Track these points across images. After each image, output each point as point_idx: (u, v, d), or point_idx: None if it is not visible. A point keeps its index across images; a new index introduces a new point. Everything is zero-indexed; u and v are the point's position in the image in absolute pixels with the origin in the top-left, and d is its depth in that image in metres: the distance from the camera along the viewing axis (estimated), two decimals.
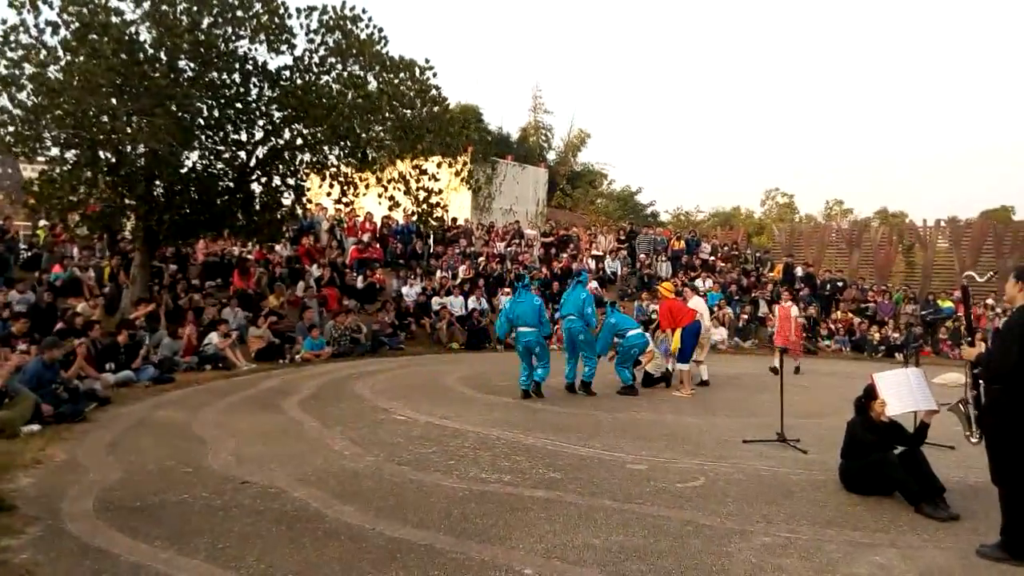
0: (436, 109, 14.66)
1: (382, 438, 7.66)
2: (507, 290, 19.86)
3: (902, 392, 5.95)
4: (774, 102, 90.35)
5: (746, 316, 20.79)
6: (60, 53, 11.93)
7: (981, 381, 4.77)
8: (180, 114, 12.31)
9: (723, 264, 25.82)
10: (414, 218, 16.53)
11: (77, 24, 11.74)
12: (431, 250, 21.64)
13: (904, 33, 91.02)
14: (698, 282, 22.16)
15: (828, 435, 7.58)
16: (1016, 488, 4.55)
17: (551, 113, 49.32)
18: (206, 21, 12.69)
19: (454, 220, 23.84)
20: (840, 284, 23.61)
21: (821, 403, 10.57)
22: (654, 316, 13.68)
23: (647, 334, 11.75)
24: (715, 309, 20.60)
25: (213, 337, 12.79)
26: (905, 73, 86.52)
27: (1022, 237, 26.74)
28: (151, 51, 12.38)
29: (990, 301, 21.12)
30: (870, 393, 6.15)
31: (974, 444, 5.16)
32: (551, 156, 42.11)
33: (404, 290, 18.36)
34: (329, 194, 15.24)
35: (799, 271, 24.19)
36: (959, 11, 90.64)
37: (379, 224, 21.02)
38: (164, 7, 12.33)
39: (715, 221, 44.33)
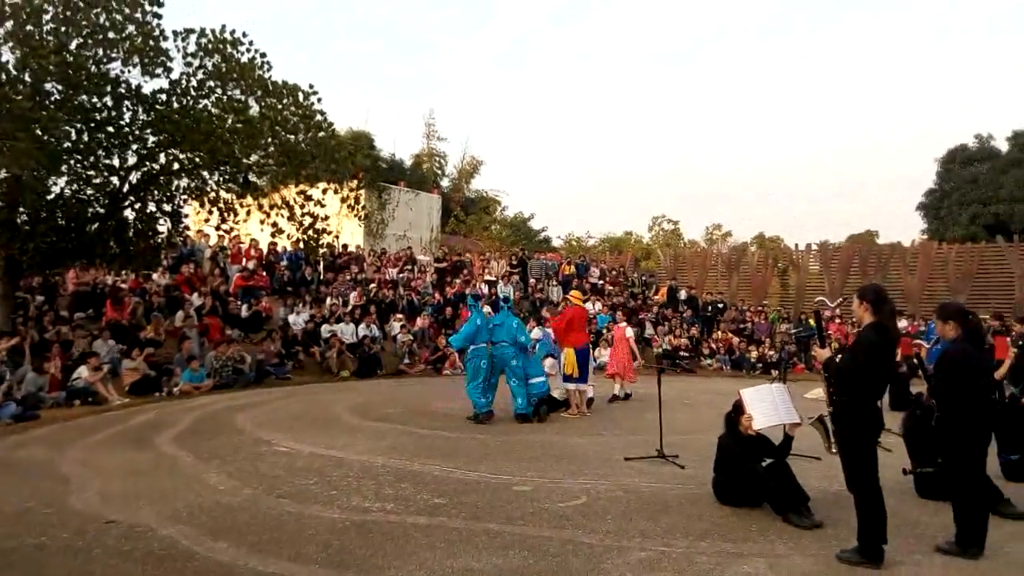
0: (321, 135, 14.44)
1: (261, 471, 7.42)
2: (400, 316, 19.80)
3: (766, 407, 6.27)
4: (663, 127, 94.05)
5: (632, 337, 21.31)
6: None
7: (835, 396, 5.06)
8: (46, 138, 11.63)
9: (611, 287, 26.48)
10: (300, 245, 16.19)
11: None
12: (321, 277, 21.21)
13: (781, 69, 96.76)
14: (588, 305, 22.64)
15: (705, 450, 7.80)
16: (866, 493, 4.84)
17: (445, 140, 49.55)
18: (74, 43, 12.09)
19: (344, 247, 23.52)
20: (720, 306, 24.62)
21: (700, 420, 10.91)
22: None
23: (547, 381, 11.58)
24: (604, 331, 21.08)
25: (83, 371, 12.08)
26: (784, 107, 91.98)
27: (885, 258, 28.77)
28: (14, 72, 11.69)
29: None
30: (738, 408, 6.44)
31: (834, 454, 5.47)
32: (445, 183, 42.31)
33: (291, 318, 17.88)
34: (207, 220, 14.73)
35: (683, 294, 25.15)
36: (835, 49, 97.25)
37: (265, 251, 20.46)
38: (28, 27, 11.67)
39: (606, 246, 45.47)
